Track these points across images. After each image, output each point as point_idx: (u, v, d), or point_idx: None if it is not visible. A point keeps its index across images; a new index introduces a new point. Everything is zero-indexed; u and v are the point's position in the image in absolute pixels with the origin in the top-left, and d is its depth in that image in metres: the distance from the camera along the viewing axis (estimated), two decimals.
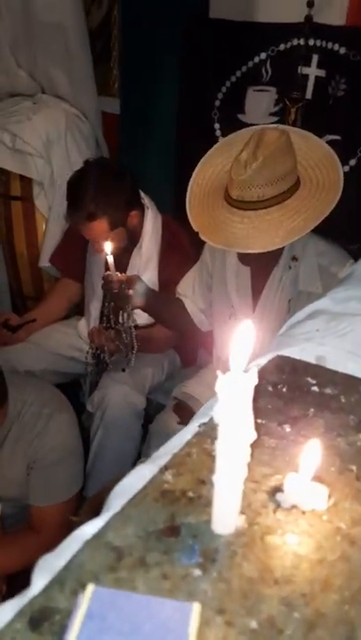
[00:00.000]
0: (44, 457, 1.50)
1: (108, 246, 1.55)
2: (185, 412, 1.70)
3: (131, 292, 1.54)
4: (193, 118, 2.00)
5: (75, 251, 2.06)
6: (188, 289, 1.83)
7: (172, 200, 1.99)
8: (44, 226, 2.23)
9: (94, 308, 2.01)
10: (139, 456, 1.85)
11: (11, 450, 1.51)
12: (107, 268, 1.61)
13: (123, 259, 1.91)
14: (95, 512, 0.57)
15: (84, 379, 2.09)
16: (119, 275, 1.55)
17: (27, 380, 1.68)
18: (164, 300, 1.75)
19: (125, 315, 1.61)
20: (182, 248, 1.91)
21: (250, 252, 1.43)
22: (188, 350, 2.14)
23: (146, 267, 1.87)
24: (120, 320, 1.64)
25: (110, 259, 1.52)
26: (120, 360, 1.79)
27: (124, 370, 1.75)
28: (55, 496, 1.53)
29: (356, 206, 1.61)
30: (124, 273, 1.85)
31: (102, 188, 1.70)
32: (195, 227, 1.49)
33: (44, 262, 2.20)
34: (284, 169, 1.39)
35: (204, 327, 1.87)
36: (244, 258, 1.60)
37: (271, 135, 1.39)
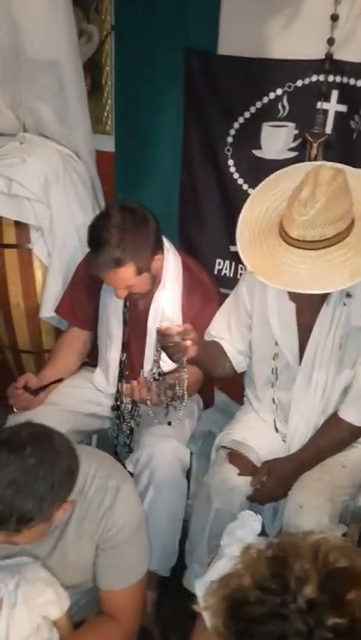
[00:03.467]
0: (116, 536, 1.36)
1: (165, 299, 1.44)
2: (243, 462, 1.62)
3: (189, 342, 1.44)
4: (202, 156, 1.95)
5: (83, 298, 1.93)
6: (224, 331, 1.76)
7: (175, 243, 1.91)
8: (41, 275, 2.07)
9: (113, 358, 1.88)
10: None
11: (76, 532, 1.35)
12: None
13: (142, 302, 1.81)
14: None
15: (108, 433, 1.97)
16: (177, 326, 1.45)
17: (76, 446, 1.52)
18: (207, 346, 1.66)
19: (181, 366, 1.51)
20: (205, 288, 1.84)
21: (317, 292, 1.39)
22: (208, 392, 2.07)
23: (169, 309, 1.78)
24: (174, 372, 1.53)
25: (170, 311, 1.42)
26: (156, 413, 1.67)
27: (170, 423, 1.64)
28: (130, 577, 1.39)
29: None
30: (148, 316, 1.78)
31: (129, 233, 1.61)
32: (251, 267, 1.44)
33: (47, 313, 2.04)
34: (343, 208, 1.37)
35: (240, 369, 1.81)
36: (295, 296, 1.55)
37: (327, 174, 1.37)
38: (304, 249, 1.37)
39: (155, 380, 1.57)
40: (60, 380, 1.84)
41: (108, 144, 2.12)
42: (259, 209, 1.51)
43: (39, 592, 1.29)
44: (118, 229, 1.60)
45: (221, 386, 2.17)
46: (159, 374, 1.57)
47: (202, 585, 1.06)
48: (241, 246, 1.47)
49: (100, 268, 1.63)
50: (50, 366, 1.91)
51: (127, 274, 1.63)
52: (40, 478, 1.15)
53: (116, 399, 1.94)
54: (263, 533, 1.24)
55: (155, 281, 1.74)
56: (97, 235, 1.63)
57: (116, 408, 1.95)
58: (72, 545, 1.35)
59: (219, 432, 2.05)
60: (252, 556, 0.93)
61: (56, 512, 1.21)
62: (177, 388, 1.55)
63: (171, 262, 1.78)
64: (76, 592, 1.41)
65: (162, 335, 1.45)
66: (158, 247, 1.70)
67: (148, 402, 1.59)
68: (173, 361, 1.48)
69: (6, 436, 1.22)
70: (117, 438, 1.99)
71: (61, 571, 1.36)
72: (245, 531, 1.19)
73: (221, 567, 1.05)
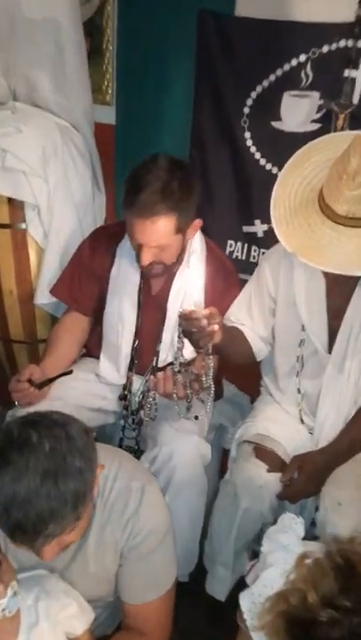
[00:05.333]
0: (142, 543, 1.21)
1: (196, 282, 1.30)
2: (270, 457, 1.50)
3: (216, 327, 1.30)
4: (215, 128, 1.80)
5: (84, 279, 1.76)
6: (245, 316, 1.63)
7: None
8: (36, 258, 1.89)
9: (126, 345, 1.72)
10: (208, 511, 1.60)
11: (97, 541, 1.20)
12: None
13: (157, 282, 1.66)
14: None
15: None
16: (203, 310, 1.31)
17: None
18: (229, 332, 1.53)
19: (207, 354, 1.37)
20: (228, 270, 1.70)
21: None
22: (218, 382, 1.93)
23: (195, 290, 1.62)
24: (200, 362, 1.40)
25: (195, 292, 1.27)
26: (175, 407, 1.52)
27: (197, 417, 1.49)
28: (159, 588, 1.24)
29: None
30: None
31: (177, 181, 1.45)
32: (291, 249, 1.31)
33: (42, 299, 1.87)
34: None
35: (260, 357, 1.68)
36: (332, 277, 1.43)
37: None
38: (353, 227, 1.25)
39: (179, 371, 1.42)
40: (68, 373, 1.67)
41: (108, 116, 1.95)
42: (291, 184, 1.39)
43: (62, 605, 1.13)
44: (167, 174, 1.44)
45: (229, 376, 2.04)
46: (183, 364, 1.43)
47: (248, 599, 0.94)
48: (277, 226, 1.34)
49: (137, 215, 1.44)
50: (48, 356, 1.73)
51: (166, 228, 1.46)
52: (70, 453, 1.00)
53: (124, 388, 1.78)
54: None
55: (181, 255, 1.60)
56: (141, 176, 1.44)
57: (123, 398, 1.79)
58: (93, 555, 1.20)
59: (230, 425, 1.94)
60: (310, 567, 0.82)
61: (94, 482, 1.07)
62: (203, 378, 1.41)
63: (196, 239, 1.64)
64: (96, 606, 1.25)
65: (186, 319, 1.30)
66: (196, 212, 1.56)
67: (175, 396, 1.44)
68: (198, 347, 1.34)
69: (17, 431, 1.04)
70: (123, 432, 1.84)
71: (82, 583, 1.20)
72: (289, 536, 1.07)
73: (270, 579, 0.93)
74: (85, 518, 1.07)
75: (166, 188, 1.44)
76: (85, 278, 1.75)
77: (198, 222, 1.56)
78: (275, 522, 1.10)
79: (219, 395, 1.96)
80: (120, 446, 1.86)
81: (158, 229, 1.46)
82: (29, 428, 1.00)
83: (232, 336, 1.55)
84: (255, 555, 1.61)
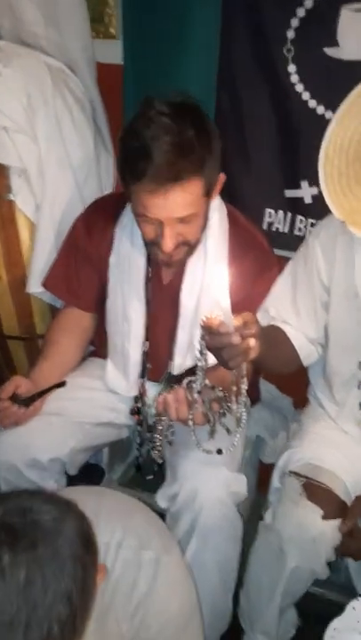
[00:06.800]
0: (158, 636, 0.89)
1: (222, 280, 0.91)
2: (327, 498, 1.14)
3: (252, 342, 0.93)
4: (248, 62, 1.38)
5: (82, 268, 1.40)
6: (289, 311, 1.26)
7: None
8: (28, 236, 1.53)
9: (134, 348, 1.37)
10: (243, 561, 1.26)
11: (97, 633, 0.87)
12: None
13: (167, 271, 1.31)
14: None
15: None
16: (234, 319, 0.93)
17: (90, 494, 1.01)
18: (267, 336, 1.15)
19: (240, 377, 1.00)
20: (261, 249, 1.32)
21: None
22: (253, 384, 1.56)
23: (212, 274, 1.25)
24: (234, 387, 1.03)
25: (226, 299, 0.89)
26: (197, 434, 1.16)
27: (220, 452, 1.13)
28: None
29: None
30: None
31: (192, 124, 1.09)
32: (342, 217, 0.96)
33: (36, 286, 1.51)
34: None
35: (309, 362, 1.31)
36: None
37: None
38: None
39: (200, 392, 1.06)
40: (61, 385, 1.33)
41: (112, 53, 1.54)
42: (349, 130, 1.01)
43: None
44: (176, 121, 1.08)
45: (267, 374, 1.67)
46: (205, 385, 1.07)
47: None
48: (327, 184, 1.00)
49: (154, 186, 1.08)
50: (44, 361, 1.40)
51: (195, 193, 1.11)
52: (55, 578, 0.66)
53: (136, 400, 1.44)
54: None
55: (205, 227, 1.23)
56: (143, 133, 1.08)
57: (136, 412, 1.45)
58: None
59: (268, 437, 1.59)
60: None
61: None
62: (231, 405, 1.05)
63: (215, 207, 1.26)
64: None
65: (211, 333, 0.93)
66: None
67: (190, 422, 1.09)
68: (228, 368, 0.97)
69: None
70: (140, 450, 1.50)
71: None
72: None
73: None
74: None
75: (183, 139, 1.06)
76: (83, 265, 1.40)
77: (222, 177, 1.19)
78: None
79: (255, 399, 1.60)
80: (137, 466, 1.54)
81: (185, 198, 1.09)
82: (1, 544, 0.65)
83: (272, 342, 1.18)
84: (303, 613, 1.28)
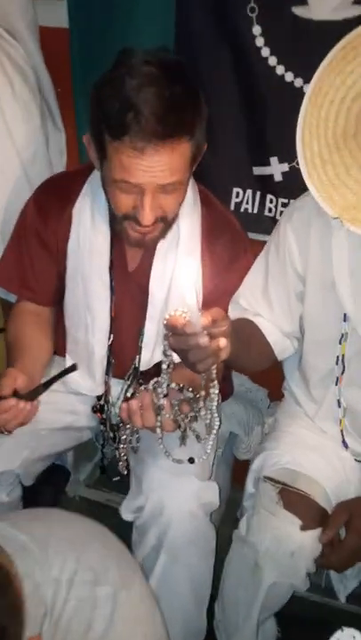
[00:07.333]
0: None
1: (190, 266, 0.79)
2: (305, 506, 1.05)
3: (223, 342, 0.82)
4: (208, 23, 1.24)
5: (36, 258, 1.26)
6: (261, 302, 1.15)
7: None
8: None
9: (99, 342, 1.24)
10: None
11: None
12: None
13: (133, 255, 1.19)
14: None
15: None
16: (201, 317, 0.81)
17: (38, 519, 0.90)
18: (240, 334, 1.04)
19: (210, 380, 0.89)
20: (234, 232, 1.20)
21: None
22: (225, 378, 1.46)
23: (184, 261, 1.13)
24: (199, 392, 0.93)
25: (192, 294, 0.77)
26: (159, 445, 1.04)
27: (192, 461, 1.03)
28: None
29: None
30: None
31: (179, 80, 0.96)
32: (336, 213, 0.84)
33: None
34: None
35: (284, 356, 1.21)
36: None
37: None
38: None
39: (166, 395, 0.95)
40: (71, 369, 1.18)
41: (57, 15, 1.38)
42: (328, 102, 0.89)
43: None
44: (162, 73, 0.95)
45: None
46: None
47: None
48: (310, 171, 0.89)
49: (142, 144, 0.94)
50: (21, 357, 1.20)
51: (183, 156, 0.98)
52: None
53: (99, 397, 1.32)
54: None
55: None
56: (126, 83, 0.93)
57: (98, 410, 1.34)
58: None
59: (242, 433, 1.50)
60: None
61: None
62: (203, 411, 0.94)
63: (188, 192, 1.12)
64: None
65: (174, 333, 0.82)
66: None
67: (158, 430, 0.98)
68: (197, 372, 0.86)
69: None
70: (103, 451, 1.40)
71: None
72: None
73: None
74: None
75: (174, 93, 0.93)
76: (39, 254, 1.25)
77: (205, 146, 1.06)
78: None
79: (228, 393, 1.50)
80: (102, 468, 1.44)
81: (172, 160, 0.96)
82: None
83: (244, 339, 1.07)
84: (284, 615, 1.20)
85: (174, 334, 0.83)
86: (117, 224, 1.09)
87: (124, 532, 1.17)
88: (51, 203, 1.21)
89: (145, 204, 1.00)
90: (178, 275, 1.13)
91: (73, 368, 1.20)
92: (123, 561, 0.87)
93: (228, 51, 1.24)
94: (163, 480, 1.09)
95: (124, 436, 1.09)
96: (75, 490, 1.67)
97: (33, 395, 1.10)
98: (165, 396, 0.96)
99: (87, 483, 1.68)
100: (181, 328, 0.81)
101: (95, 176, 1.13)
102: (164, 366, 0.92)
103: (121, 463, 1.13)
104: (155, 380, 0.98)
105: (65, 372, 1.18)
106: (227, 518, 1.45)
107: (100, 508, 1.64)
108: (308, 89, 0.88)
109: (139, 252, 1.18)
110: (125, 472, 1.16)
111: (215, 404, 0.93)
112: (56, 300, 1.30)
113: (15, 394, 1.08)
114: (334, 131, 0.86)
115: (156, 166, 0.96)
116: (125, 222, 1.06)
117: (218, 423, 0.94)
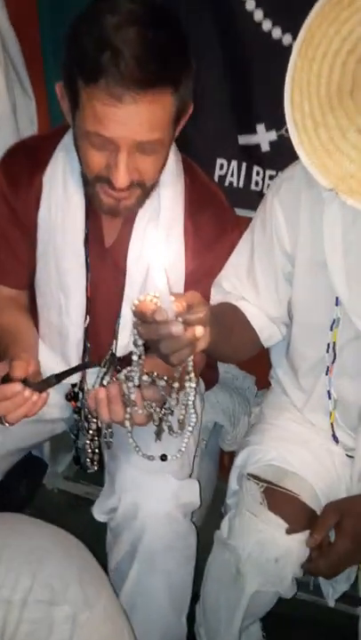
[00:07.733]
0: None
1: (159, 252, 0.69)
2: (291, 507, 0.96)
3: (200, 330, 0.72)
4: None
5: (6, 234, 1.13)
6: (246, 285, 1.06)
7: None
8: None
9: (75, 323, 1.12)
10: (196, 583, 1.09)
11: None
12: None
13: (111, 228, 1.07)
14: None
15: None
16: (175, 302, 0.71)
17: None
18: (221, 320, 0.94)
19: (186, 372, 0.79)
20: (221, 206, 1.10)
21: None
22: (210, 365, 1.37)
23: (154, 236, 1.02)
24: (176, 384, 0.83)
25: (162, 276, 0.67)
26: (140, 436, 0.95)
27: (164, 458, 0.94)
28: None
29: None
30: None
31: (165, 25, 0.85)
32: (331, 184, 0.73)
33: None
34: None
35: (271, 343, 1.12)
36: None
37: None
38: None
39: (139, 386, 0.85)
40: (90, 364, 1.11)
41: None
42: (319, 56, 0.77)
43: None
44: (146, 15, 0.84)
45: None
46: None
47: None
48: (300, 136, 0.77)
49: (120, 91, 0.82)
50: (13, 345, 1.09)
51: (165, 110, 0.86)
52: None
53: (74, 385, 1.22)
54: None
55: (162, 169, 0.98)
56: (105, 22, 0.82)
57: (72, 398, 1.24)
58: None
59: (228, 423, 1.41)
60: None
61: None
62: (173, 395, 0.85)
63: (171, 153, 1.01)
64: None
65: (143, 321, 0.72)
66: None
67: (127, 423, 0.88)
68: (170, 364, 0.77)
69: None
70: (76, 443, 1.30)
71: None
72: None
73: None
74: None
75: (158, 37, 0.82)
76: (10, 229, 1.13)
77: (191, 106, 0.95)
78: None
79: (213, 381, 1.41)
80: (77, 459, 1.34)
81: (153, 114, 0.85)
82: None
83: (227, 325, 0.97)
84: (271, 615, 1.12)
85: (143, 322, 0.73)
86: (90, 188, 0.97)
87: (102, 527, 1.09)
88: (21, 169, 1.08)
89: (119, 162, 0.88)
90: (147, 253, 1.02)
91: (90, 364, 1.11)
92: (86, 574, 0.78)
93: (210, 5, 1.12)
94: (136, 479, 1.00)
95: (94, 428, 0.99)
96: (53, 482, 1.59)
97: (43, 385, 0.95)
98: (138, 387, 0.86)
99: (65, 475, 1.60)
100: (151, 315, 0.71)
101: (69, 138, 1.01)
102: (134, 357, 0.82)
103: (89, 459, 1.03)
104: (128, 368, 0.88)
105: (82, 367, 1.08)
106: (213, 512, 1.37)
107: (78, 501, 1.57)
108: (298, 39, 0.76)
109: (116, 224, 1.07)
110: (96, 468, 1.07)
111: (191, 398, 0.83)
112: (28, 284, 1.19)
113: (24, 381, 0.93)
114: (328, 88, 0.75)
115: (133, 118, 0.84)
116: (98, 185, 0.93)
117: (194, 420, 0.85)
